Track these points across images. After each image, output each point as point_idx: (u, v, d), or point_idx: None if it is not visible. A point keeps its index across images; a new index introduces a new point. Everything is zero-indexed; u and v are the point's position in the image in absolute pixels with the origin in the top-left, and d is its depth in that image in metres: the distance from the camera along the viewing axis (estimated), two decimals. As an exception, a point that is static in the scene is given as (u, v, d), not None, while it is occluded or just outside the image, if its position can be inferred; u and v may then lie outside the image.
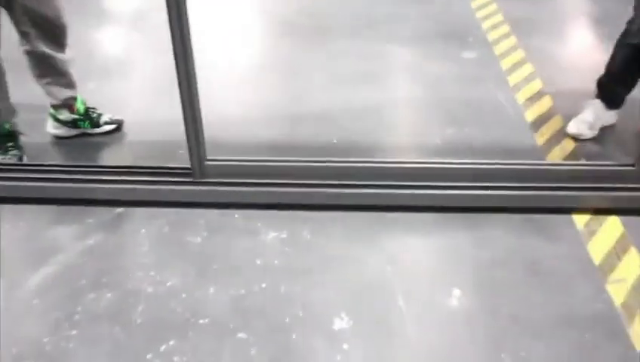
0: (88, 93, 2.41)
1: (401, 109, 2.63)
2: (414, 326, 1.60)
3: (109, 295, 1.70)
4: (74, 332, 1.59)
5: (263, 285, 1.73)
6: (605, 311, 1.63)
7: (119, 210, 2.00)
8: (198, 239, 1.89)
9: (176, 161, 2.09)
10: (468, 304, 1.66)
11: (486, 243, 1.86)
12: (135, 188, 2.00)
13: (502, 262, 1.79)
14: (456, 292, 1.69)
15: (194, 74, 1.82)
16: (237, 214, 1.98)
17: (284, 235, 1.90)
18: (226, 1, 3.73)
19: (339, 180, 1.97)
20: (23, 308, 1.67)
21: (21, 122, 2.23)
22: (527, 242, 1.85)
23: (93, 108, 2.37)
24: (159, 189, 2.00)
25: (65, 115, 2.31)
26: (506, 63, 2.91)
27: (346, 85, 2.75)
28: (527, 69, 2.85)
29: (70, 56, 2.22)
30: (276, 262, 1.81)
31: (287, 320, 1.62)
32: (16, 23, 2.06)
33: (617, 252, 1.82)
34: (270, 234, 1.90)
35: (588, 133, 2.32)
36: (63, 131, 2.35)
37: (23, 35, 2.09)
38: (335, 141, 2.35)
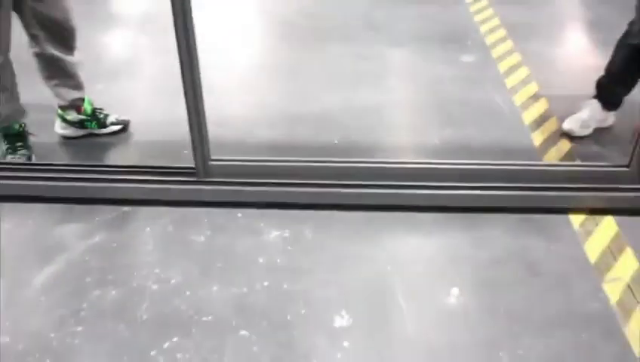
0: (96, 94, 2.43)
1: (400, 110, 2.65)
2: (413, 325, 1.62)
3: (114, 292, 1.72)
4: (79, 328, 1.61)
5: (266, 283, 1.75)
6: (601, 310, 1.65)
7: (125, 208, 2.02)
8: (202, 238, 1.91)
9: (181, 160, 2.11)
10: (466, 303, 1.68)
11: (484, 242, 1.88)
12: (140, 188, 2.02)
13: (500, 261, 1.81)
14: (455, 291, 1.71)
15: (199, 78, 1.85)
16: (240, 213, 2.00)
17: (286, 234, 1.92)
18: (226, 2, 3.76)
19: (339, 180, 1.99)
20: (29, 305, 1.69)
21: (30, 122, 2.26)
22: (524, 242, 1.87)
23: (100, 109, 2.40)
24: (164, 188, 2.02)
25: (72, 116, 2.34)
26: (503, 66, 2.94)
27: (346, 86, 2.77)
28: (524, 72, 2.88)
29: (78, 59, 2.25)
30: (278, 260, 1.83)
31: (288, 317, 1.64)
32: (26, 26, 2.09)
33: (613, 251, 1.84)
34: (272, 233, 1.92)
35: (580, 131, 2.34)
36: (70, 131, 2.38)
37: (33, 38, 2.12)
38: (336, 141, 2.38)
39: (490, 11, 3.54)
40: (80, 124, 2.36)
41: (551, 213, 1.97)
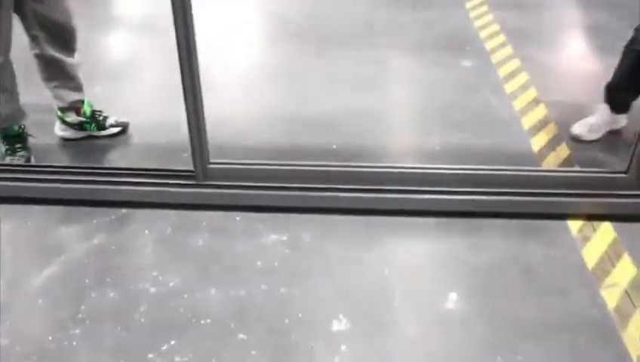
0: (95, 96, 2.44)
1: (400, 115, 2.66)
2: (411, 329, 1.63)
3: (112, 294, 1.72)
4: (77, 330, 1.61)
5: (264, 287, 1.75)
6: (599, 315, 1.65)
7: (123, 211, 2.02)
8: (200, 241, 1.91)
9: (180, 163, 2.11)
10: (464, 307, 1.68)
11: (482, 247, 1.88)
12: (139, 190, 2.03)
13: (498, 266, 1.82)
14: (453, 295, 1.72)
15: (199, 81, 1.85)
16: (238, 216, 2.00)
17: (284, 238, 1.92)
18: (226, 4, 3.77)
19: (338, 184, 2.00)
20: (27, 307, 1.69)
21: (29, 124, 2.26)
22: (523, 247, 1.88)
23: (100, 111, 2.40)
24: (163, 191, 2.02)
25: (72, 118, 2.34)
26: (502, 72, 2.95)
27: (345, 90, 2.78)
28: (523, 77, 2.89)
29: (78, 61, 2.26)
30: (276, 264, 1.83)
31: (286, 321, 1.64)
32: (27, 27, 2.10)
33: (611, 257, 1.85)
34: (271, 237, 1.92)
35: (588, 136, 2.35)
36: (69, 133, 2.38)
37: (33, 39, 2.13)
38: (335, 146, 2.38)
39: (490, 17, 3.56)
40: (79, 126, 2.37)
41: (549, 218, 1.97)
